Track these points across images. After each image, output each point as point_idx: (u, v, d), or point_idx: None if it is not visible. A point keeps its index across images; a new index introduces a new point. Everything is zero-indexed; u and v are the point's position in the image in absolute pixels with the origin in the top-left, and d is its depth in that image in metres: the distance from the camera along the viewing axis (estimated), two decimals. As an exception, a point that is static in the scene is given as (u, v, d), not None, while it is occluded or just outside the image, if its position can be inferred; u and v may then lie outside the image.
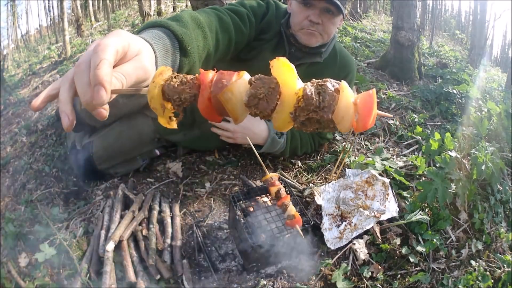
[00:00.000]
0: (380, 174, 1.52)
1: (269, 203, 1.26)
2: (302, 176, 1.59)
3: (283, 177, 1.54)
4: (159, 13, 5.65)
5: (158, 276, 1.15)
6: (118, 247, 1.21)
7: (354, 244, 1.27)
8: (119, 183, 1.57)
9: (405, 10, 2.95)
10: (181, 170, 1.64)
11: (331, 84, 0.49)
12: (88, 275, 1.15)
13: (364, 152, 1.79)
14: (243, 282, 1.18)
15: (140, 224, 1.31)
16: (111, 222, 1.32)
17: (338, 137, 1.83)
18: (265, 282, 1.17)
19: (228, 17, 1.11)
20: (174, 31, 0.76)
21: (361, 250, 1.25)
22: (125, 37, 0.54)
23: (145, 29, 0.75)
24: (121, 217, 1.34)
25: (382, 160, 1.62)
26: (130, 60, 0.55)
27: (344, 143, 1.70)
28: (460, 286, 1.23)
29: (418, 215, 1.32)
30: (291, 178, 1.56)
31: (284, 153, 1.58)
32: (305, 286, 1.16)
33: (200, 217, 1.43)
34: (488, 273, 1.30)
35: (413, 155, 1.71)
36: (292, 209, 1.08)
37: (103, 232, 1.27)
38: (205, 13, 1.02)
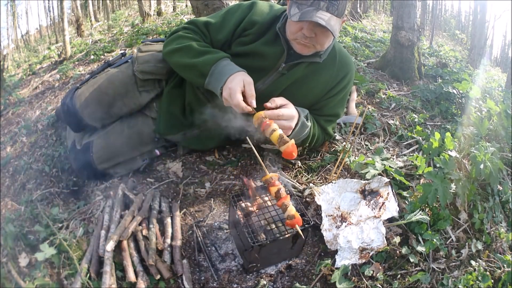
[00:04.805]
0: (380, 174, 1.52)
1: (269, 203, 1.26)
2: (302, 176, 1.59)
3: (283, 177, 1.53)
4: (159, 13, 5.65)
5: (158, 276, 1.15)
6: (118, 247, 1.21)
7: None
8: (119, 183, 1.57)
9: (405, 10, 2.94)
10: (181, 170, 1.64)
11: None
12: (88, 275, 1.15)
13: (364, 152, 1.79)
14: (243, 282, 1.18)
15: (140, 224, 1.31)
16: (111, 222, 1.32)
17: (338, 137, 1.83)
18: (265, 282, 1.17)
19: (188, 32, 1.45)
20: (227, 56, 1.35)
21: (361, 250, 1.25)
22: (239, 79, 1.21)
23: (220, 59, 1.30)
24: (121, 217, 1.34)
25: (382, 160, 1.62)
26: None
27: (344, 143, 1.70)
28: (460, 286, 1.23)
29: (418, 215, 1.32)
30: (291, 178, 1.56)
31: (305, 142, 1.52)
32: (305, 286, 1.16)
33: (200, 217, 1.43)
34: (488, 273, 1.30)
35: (413, 155, 1.71)
36: (292, 209, 1.08)
37: (103, 232, 1.27)
38: (187, 38, 1.41)
